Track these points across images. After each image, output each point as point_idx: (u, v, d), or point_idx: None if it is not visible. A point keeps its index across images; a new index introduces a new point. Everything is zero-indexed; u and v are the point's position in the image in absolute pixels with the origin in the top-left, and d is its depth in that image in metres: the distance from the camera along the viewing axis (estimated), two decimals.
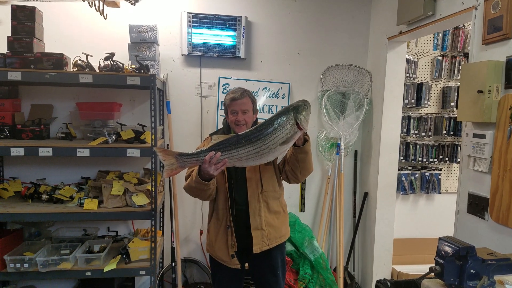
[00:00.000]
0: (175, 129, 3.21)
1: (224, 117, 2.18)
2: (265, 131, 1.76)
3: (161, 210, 3.20)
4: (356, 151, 3.58)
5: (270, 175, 2.08)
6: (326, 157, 3.44)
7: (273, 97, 3.31)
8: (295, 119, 1.77)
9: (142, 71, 2.60)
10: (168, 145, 3.16)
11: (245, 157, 1.79)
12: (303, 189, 3.51)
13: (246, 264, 2.20)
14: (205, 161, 1.78)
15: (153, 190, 2.56)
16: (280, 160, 1.89)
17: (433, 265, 1.45)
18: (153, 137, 2.53)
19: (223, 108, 2.16)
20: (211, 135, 2.15)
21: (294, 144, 1.87)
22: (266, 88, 3.30)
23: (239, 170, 2.02)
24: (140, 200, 2.60)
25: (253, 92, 3.18)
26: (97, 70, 2.59)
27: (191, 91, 3.25)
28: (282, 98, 3.33)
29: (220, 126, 2.41)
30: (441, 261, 1.39)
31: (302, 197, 3.53)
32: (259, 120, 2.17)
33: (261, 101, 3.28)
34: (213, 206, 2.13)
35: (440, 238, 1.46)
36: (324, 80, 3.43)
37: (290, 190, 3.44)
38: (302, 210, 3.53)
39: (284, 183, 2.17)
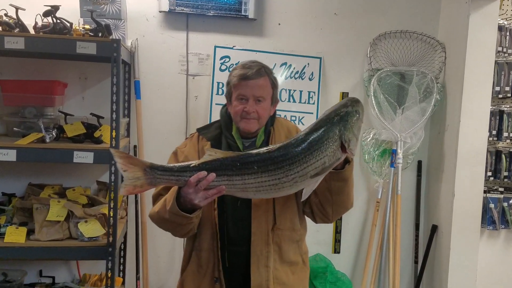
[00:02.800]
0: (147, 123, 3.23)
1: (223, 105, 2.13)
2: (292, 156, 1.70)
3: (122, 246, 3.20)
4: (420, 162, 3.60)
5: (288, 204, 2.02)
6: (374, 171, 3.44)
7: (296, 78, 3.33)
8: (340, 138, 1.70)
9: (100, 35, 2.63)
10: (135, 146, 3.18)
11: (253, 188, 1.75)
12: (338, 219, 3.47)
13: None
14: (189, 184, 1.71)
15: (112, 215, 2.56)
16: (306, 197, 1.84)
17: None
18: (113, 134, 2.54)
19: (223, 90, 2.19)
20: (199, 131, 2.15)
21: None
22: (285, 64, 3.31)
23: None
24: (91, 230, 2.60)
25: None
26: (32, 31, 2.63)
27: (173, 66, 3.27)
28: (310, 79, 3.34)
29: (215, 118, 2.38)
30: None
31: (337, 231, 3.55)
32: (277, 116, 2.17)
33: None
34: (192, 245, 2.07)
35: None
36: (373, 54, 3.45)
37: None
38: (336, 251, 3.56)
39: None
